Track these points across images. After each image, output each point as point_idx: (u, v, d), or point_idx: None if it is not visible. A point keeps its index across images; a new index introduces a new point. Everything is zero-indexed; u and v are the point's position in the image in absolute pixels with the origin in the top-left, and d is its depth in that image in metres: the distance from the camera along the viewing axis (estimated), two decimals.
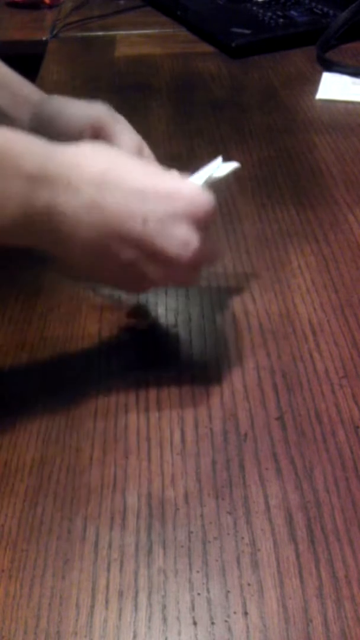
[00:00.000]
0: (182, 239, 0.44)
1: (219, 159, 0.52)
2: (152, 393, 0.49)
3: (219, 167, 0.51)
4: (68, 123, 0.56)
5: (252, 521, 0.41)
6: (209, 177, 0.50)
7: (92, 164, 0.43)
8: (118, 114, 0.56)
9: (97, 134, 0.55)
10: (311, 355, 0.51)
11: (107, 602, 0.38)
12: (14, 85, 0.59)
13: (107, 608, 0.37)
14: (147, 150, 0.57)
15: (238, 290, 0.58)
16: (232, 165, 0.52)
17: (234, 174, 0.52)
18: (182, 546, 0.40)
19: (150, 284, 0.48)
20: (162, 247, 0.44)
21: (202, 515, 0.41)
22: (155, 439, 0.46)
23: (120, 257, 0.44)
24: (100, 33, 1.15)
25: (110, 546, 0.40)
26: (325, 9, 1.11)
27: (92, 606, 0.38)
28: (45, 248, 0.45)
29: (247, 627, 0.36)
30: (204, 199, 0.45)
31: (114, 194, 0.43)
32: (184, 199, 0.44)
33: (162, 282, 0.48)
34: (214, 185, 0.49)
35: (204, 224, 0.45)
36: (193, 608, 0.37)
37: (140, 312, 0.57)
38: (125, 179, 0.43)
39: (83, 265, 0.46)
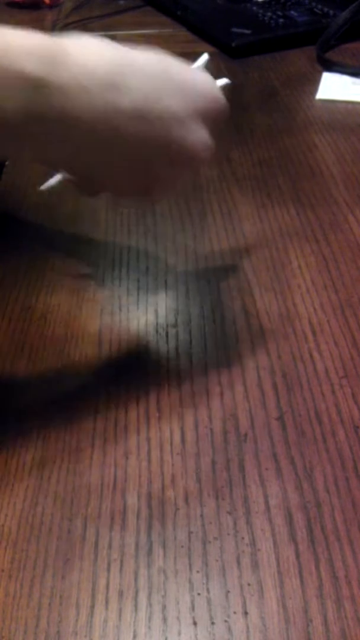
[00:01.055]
0: (202, 139, 0.43)
1: (205, 55, 0.52)
2: (152, 393, 0.49)
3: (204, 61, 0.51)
4: None
5: (252, 521, 0.41)
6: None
7: (101, 63, 0.40)
8: None
9: None
10: (311, 355, 0.51)
11: (107, 602, 0.38)
12: None
13: (107, 608, 0.37)
14: None
15: (238, 290, 0.58)
16: (204, 58, 0.51)
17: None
18: (182, 546, 0.40)
19: (165, 188, 0.46)
20: (186, 148, 0.42)
21: (202, 515, 0.41)
22: (155, 439, 0.46)
23: (138, 161, 0.42)
24: (100, 33, 1.15)
25: (110, 546, 0.40)
26: (325, 9, 1.11)
27: (92, 606, 0.38)
28: (51, 155, 0.42)
29: (247, 627, 0.36)
30: (220, 98, 0.44)
31: (128, 93, 0.40)
32: (201, 95, 0.43)
33: (170, 184, 0.46)
34: None
35: (217, 121, 0.44)
36: (193, 608, 0.37)
37: None
38: (139, 75, 0.41)
39: (94, 174, 0.42)
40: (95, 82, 0.39)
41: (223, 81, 0.52)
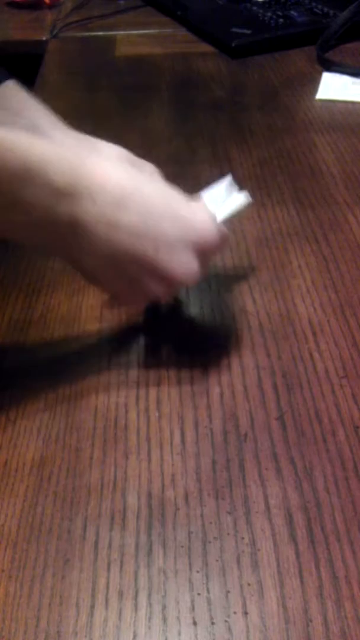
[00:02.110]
0: (187, 266, 0.47)
1: (229, 178, 0.53)
2: (152, 393, 0.49)
3: (233, 198, 0.53)
4: None
5: (252, 521, 0.41)
6: (226, 213, 0.52)
7: (114, 183, 0.45)
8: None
9: None
10: (311, 355, 0.51)
11: (107, 602, 0.38)
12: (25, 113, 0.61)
13: (107, 608, 0.37)
14: None
15: (238, 290, 0.58)
16: (243, 198, 0.53)
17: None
18: (182, 546, 0.40)
19: (148, 298, 0.51)
20: (169, 270, 0.46)
21: (202, 515, 0.41)
22: (155, 439, 0.46)
23: (128, 272, 0.47)
24: (100, 33, 1.15)
25: (110, 546, 0.40)
26: (325, 9, 1.11)
27: (92, 606, 0.38)
28: (60, 253, 0.48)
29: (247, 627, 0.36)
30: (213, 234, 0.48)
31: (131, 214, 0.45)
32: (195, 229, 0.47)
33: (160, 297, 0.50)
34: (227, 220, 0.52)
35: (209, 253, 0.49)
36: (193, 608, 0.37)
37: None
38: (143, 201, 0.46)
39: (91, 272, 0.48)
40: (107, 199, 0.44)
41: (244, 198, 0.53)
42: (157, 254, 0.46)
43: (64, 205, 0.43)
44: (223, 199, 0.53)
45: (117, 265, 0.46)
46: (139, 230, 0.45)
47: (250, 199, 0.53)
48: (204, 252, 0.48)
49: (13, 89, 0.62)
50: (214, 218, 0.49)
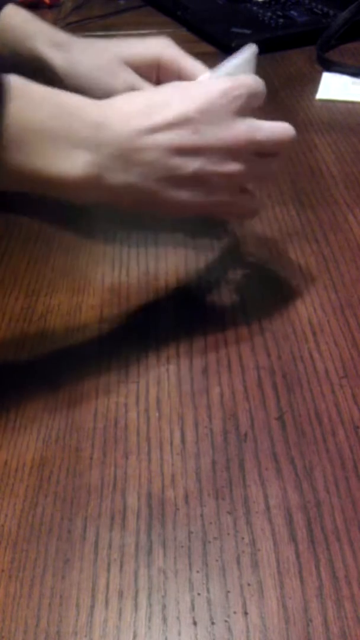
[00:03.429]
0: (233, 127, 0.47)
1: (252, 47, 0.54)
2: (152, 393, 0.49)
3: (239, 54, 0.53)
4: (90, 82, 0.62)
5: (252, 521, 0.41)
6: (230, 64, 0.52)
7: (132, 99, 0.47)
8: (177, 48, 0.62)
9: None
10: (311, 355, 0.51)
11: (107, 602, 0.38)
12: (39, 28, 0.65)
13: (107, 608, 0.37)
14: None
15: (238, 290, 0.58)
16: (250, 49, 0.53)
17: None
18: (182, 546, 0.40)
19: (232, 185, 0.49)
20: (218, 141, 0.46)
21: (202, 515, 0.41)
22: (155, 439, 0.46)
23: (188, 168, 0.46)
24: (100, 33, 1.15)
25: (110, 546, 0.40)
26: (325, 9, 1.11)
27: (92, 606, 0.38)
28: (116, 195, 0.46)
29: (247, 627, 0.36)
30: (235, 87, 0.47)
31: (156, 115, 0.45)
32: (218, 95, 0.47)
33: (243, 179, 0.49)
34: (241, 69, 0.52)
35: (244, 109, 0.48)
36: (193, 608, 0.37)
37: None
38: (163, 100, 0.46)
39: (160, 198, 0.47)
40: (135, 110, 0.46)
41: (252, 47, 0.53)
42: (200, 136, 0.46)
43: (103, 135, 0.44)
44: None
45: (174, 171, 0.46)
46: (173, 124, 0.45)
47: (254, 47, 0.53)
48: (240, 110, 0.47)
49: (15, 11, 0.66)
50: (231, 80, 0.48)
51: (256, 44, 1.08)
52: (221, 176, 0.47)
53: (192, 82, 0.49)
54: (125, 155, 0.45)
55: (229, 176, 0.48)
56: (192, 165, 0.46)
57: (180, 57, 0.61)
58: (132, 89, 0.61)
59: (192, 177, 0.46)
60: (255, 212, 0.56)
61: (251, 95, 0.48)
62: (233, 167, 0.47)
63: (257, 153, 0.49)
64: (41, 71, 0.64)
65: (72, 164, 0.44)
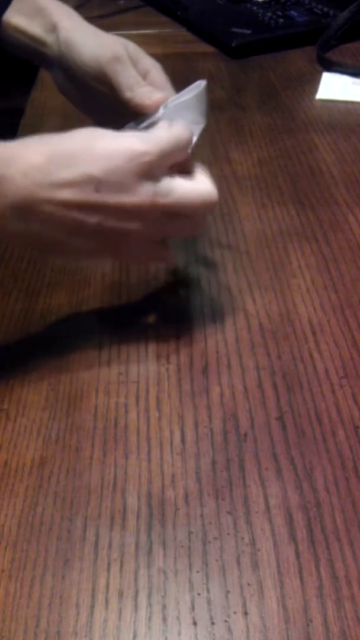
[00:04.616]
0: (134, 189, 0.46)
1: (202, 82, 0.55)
2: (152, 393, 0.49)
3: (189, 90, 0.54)
4: (85, 58, 0.61)
5: (252, 521, 0.41)
6: (179, 100, 0.53)
7: (32, 153, 0.45)
8: (138, 48, 0.61)
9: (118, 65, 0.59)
10: (311, 355, 0.51)
11: (107, 602, 0.38)
12: (48, 10, 0.65)
13: (107, 608, 0.37)
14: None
15: (238, 290, 0.58)
16: (200, 84, 0.54)
17: (210, 98, 0.54)
18: (182, 546, 0.40)
19: (139, 243, 0.49)
20: (119, 201, 0.46)
21: (202, 515, 0.41)
22: (155, 439, 0.46)
23: (88, 223, 0.46)
24: None
25: (110, 546, 0.40)
26: (325, 9, 1.11)
27: (92, 606, 0.38)
28: (25, 241, 0.49)
29: (247, 627, 0.36)
30: (139, 149, 0.46)
31: (60, 171, 0.45)
32: (121, 155, 0.46)
33: (150, 235, 0.49)
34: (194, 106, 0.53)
35: (149, 170, 0.46)
36: (193, 608, 0.37)
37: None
38: (67, 155, 0.46)
39: (62, 247, 0.47)
40: (34, 166, 0.45)
41: (201, 84, 0.55)
42: (97, 194, 0.45)
43: (6, 187, 0.44)
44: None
45: (71, 224, 0.46)
46: (76, 182, 0.45)
47: (204, 83, 0.54)
48: (144, 171, 0.46)
49: None
50: (138, 135, 0.48)
51: (256, 44, 1.08)
52: (122, 233, 0.47)
53: (105, 134, 0.47)
54: (25, 207, 0.45)
55: (129, 233, 0.48)
56: (91, 219, 0.46)
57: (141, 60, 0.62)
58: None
59: (93, 229, 0.46)
60: (166, 262, 0.55)
61: (165, 156, 0.47)
62: (133, 226, 0.47)
63: (165, 214, 0.48)
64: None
65: None
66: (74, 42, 0.62)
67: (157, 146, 0.47)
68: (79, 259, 0.50)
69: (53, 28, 0.64)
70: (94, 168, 0.45)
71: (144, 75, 0.60)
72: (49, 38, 0.64)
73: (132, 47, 0.62)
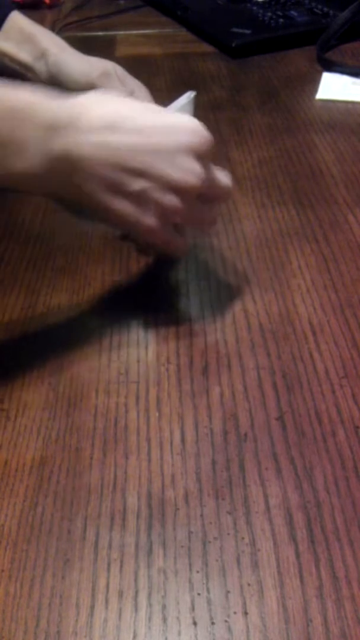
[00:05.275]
0: (187, 167, 0.48)
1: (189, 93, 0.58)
2: (152, 393, 0.49)
3: (180, 100, 0.57)
4: (75, 75, 0.64)
5: (252, 521, 0.41)
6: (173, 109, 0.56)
7: (99, 107, 0.47)
8: (124, 70, 0.64)
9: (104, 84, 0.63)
10: (311, 355, 0.51)
11: (107, 602, 0.38)
12: (37, 39, 0.68)
13: (107, 608, 0.37)
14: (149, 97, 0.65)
15: (238, 290, 0.58)
16: (190, 95, 0.57)
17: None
18: (182, 546, 0.40)
19: (167, 217, 0.50)
20: (170, 175, 0.47)
21: (202, 515, 0.41)
22: (155, 439, 0.46)
23: (133, 186, 0.47)
24: (100, 33, 1.15)
25: (110, 546, 0.40)
26: (325, 9, 1.11)
27: (92, 606, 0.38)
28: (64, 191, 0.49)
29: (247, 627, 0.36)
30: (204, 131, 0.49)
31: (123, 135, 0.47)
32: (185, 131, 0.48)
33: (179, 216, 0.50)
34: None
35: (205, 154, 0.49)
36: (193, 608, 0.37)
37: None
38: (131, 118, 0.47)
39: (96, 202, 0.48)
40: (100, 123, 0.46)
41: (191, 95, 0.57)
42: (155, 164, 0.47)
43: (56, 139, 0.45)
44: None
45: (119, 186, 0.47)
46: (135, 146, 0.47)
47: (194, 93, 0.56)
48: (202, 152, 0.48)
49: (20, 19, 0.68)
50: (198, 123, 0.50)
51: (256, 44, 1.09)
52: (159, 205, 0.48)
53: (167, 107, 0.51)
54: (75, 160, 0.46)
55: (166, 208, 0.49)
56: (136, 184, 0.47)
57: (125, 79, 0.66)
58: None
59: (134, 194, 0.48)
60: (176, 250, 0.55)
61: (211, 144, 0.49)
62: (173, 202, 0.49)
63: (200, 197, 0.50)
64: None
65: (21, 163, 0.45)
66: (64, 63, 0.65)
67: (209, 135, 0.49)
68: (105, 216, 0.51)
69: (42, 54, 0.67)
70: (153, 130, 0.47)
71: (130, 94, 0.62)
72: (37, 64, 0.67)
73: (119, 69, 0.65)
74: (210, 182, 0.50)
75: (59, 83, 0.64)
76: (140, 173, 0.47)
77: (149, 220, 0.49)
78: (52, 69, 0.65)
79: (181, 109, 0.57)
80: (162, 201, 0.48)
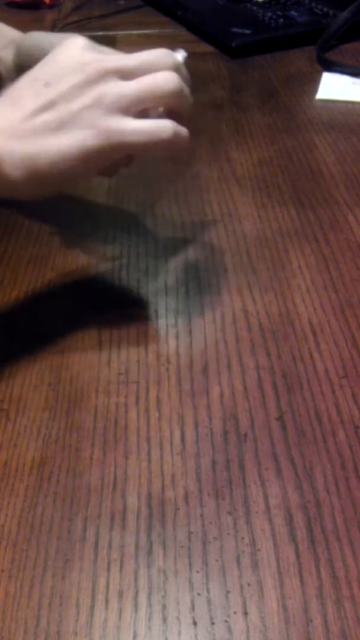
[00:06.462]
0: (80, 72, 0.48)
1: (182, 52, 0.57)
2: (152, 393, 0.49)
3: None
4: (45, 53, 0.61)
5: (252, 521, 0.41)
6: None
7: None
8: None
9: None
10: (311, 355, 0.51)
11: (107, 602, 0.38)
12: (4, 32, 0.68)
13: (107, 608, 0.37)
14: None
15: (238, 290, 0.58)
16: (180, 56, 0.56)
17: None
18: (182, 546, 0.40)
19: (107, 110, 0.48)
20: (69, 83, 0.48)
21: (202, 515, 0.41)
22: (155, 439, 0.46)
23: (51, 119, 0.47)
24: (100, 33, 1.15)
25: (110, 546, 0.40)
26: (325, 9, 1.11)
27: (92, 606, 0.38)
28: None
29: (247, 627, 0.36)
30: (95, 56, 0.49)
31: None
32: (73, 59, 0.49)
33: (117, 98, 0.49)
34: None
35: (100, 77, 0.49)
36: (193, 608, 0.37)
37: None
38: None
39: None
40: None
41: (181, 53, 0.57)
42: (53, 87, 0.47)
43: None
44: None
45: (46, 123, 0.47)
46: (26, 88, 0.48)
47: (185, 53, 0.56)
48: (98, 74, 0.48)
49: None
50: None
51: (256, 44, 1.08)
52: (82, 108, 0.47)
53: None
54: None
55: (90, 105, 0.48)
56: (51, 115, 0.47)
57: None
58: None
59: (57, 122, 0.47)
60: (176, 139, 0.51)
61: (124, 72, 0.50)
62: (89, 96, 0.48)
63: (118, 73, 0.50)
64: None
65: None
66: (34, 41, 0.64)
67: (119, 61, 0.51)
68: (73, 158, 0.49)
69: (8, 44, 0.66)
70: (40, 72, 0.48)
71: None
72: (2, 52, 0.66)
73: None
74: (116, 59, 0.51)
75: (28, 62, 0.63)
76: (46, 105, 0.47)
77: (100, 125, 0.48)
78: (21, 51, 0.64)
79: None
80: (81, 103, 0.48)
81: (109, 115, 0.48)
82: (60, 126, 0.47)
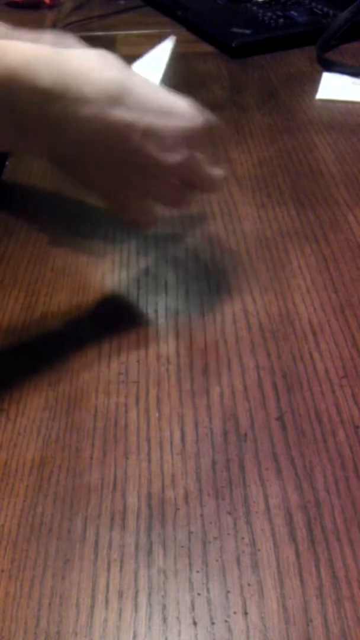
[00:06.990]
0: (171, 148, 0.49)
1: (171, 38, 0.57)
2: (152, 393, 0.49)
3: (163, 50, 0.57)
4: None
5: (252, 521, 0.41)
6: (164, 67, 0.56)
7: (101, 76, 0.47)
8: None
9: None
10: (311, 355, 0.51)
11: (107, 602, 0.38)
12: None
13: (107, 608, 0.37)
14: None
15: (238, 290, 0.58)
16: (170, 43, 0.57)
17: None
18: (182, 546, 0.40)
19: (142, 191, 0.52)
20: (158, 158, 0.48)
21: (202, 515, 0.41)
22: (155, 439, 0.46)
23: (120, 168, 0.49)
24: (100, 33, 1.15)
25: (110, 546, 0.40)
26: (325, 9, 1.11)
27: (92, 606, 0.38)
28: (48, 153, 0.49)
29: (247, 627, 0.36)
30: (197, 117, 0.50)
31: (122, 110, 0.47)
32: (178, 114, 0.49)
33: (153, 193, 0.52)
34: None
35: (195, 139, 0.50)
36: (193, 608, 0.37)
37: None
38: (131, 93, 0.48)
39: (84, 174, 0.50)
40: (101, 97, 0.46)
41: (170, 41, 0.57)
42: (145, 144, 0.48)
43: (51, 105, 0.45)
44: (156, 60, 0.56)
45: (106, 156, 0.48)
46: (126, 121, 0.47)
47: (173, 39, 0.56)
48: (191, 137, 0.50)
49: None
50: (196, 107, 0.51)
51: (256, 44, 1.08)
52: (150, 165, 0.49)
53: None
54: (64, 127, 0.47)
55: (154, 174, 0.50)
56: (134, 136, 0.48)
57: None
58: None
59: (116, 167, 0.49)
60: (146, 223, 0.57)
61: (203, 129, 0.50)
62: (173, 158, 0.49)
63: (181, 180, 0.52)
64: None
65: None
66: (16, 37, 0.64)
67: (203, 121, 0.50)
68: (87, 185, 0.52)
69: None
70: (146, 116, 0.48)
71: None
72: None
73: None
74: (192, 167, 0.51)
75: None
76: (126, 150, 0.48)
77: (125, 192, 0.51)
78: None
79: (160, 56, 0.57)
80: (149, 186, 0.50)
81: None
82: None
